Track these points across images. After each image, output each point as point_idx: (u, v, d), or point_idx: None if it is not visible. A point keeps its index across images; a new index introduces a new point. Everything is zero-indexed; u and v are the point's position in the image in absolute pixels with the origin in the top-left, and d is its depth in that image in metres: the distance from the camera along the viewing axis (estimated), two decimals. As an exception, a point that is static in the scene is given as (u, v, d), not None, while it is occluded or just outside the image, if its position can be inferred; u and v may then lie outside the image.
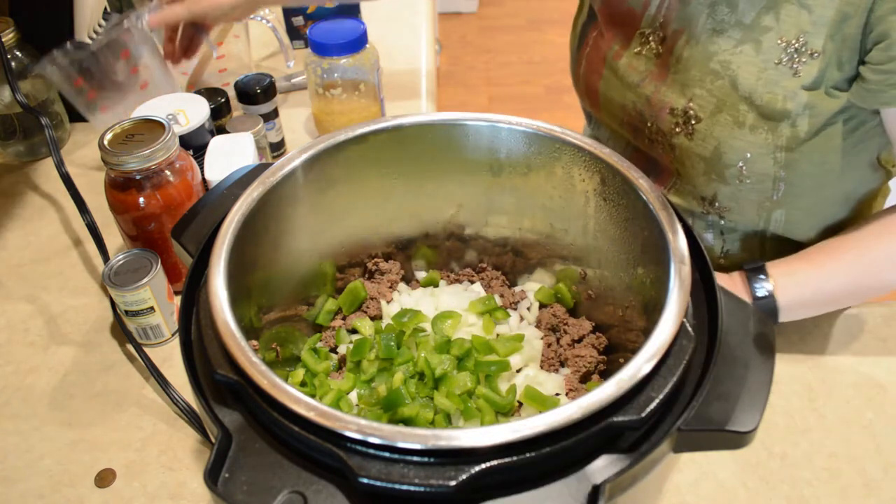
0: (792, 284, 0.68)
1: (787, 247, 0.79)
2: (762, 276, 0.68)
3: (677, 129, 0.74)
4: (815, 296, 0.69)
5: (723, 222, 0.79)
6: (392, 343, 0.57)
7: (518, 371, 0.59)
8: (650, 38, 0.76)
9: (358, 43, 0.93)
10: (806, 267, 0.69)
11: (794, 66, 0.66)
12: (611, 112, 0.84)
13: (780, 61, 0.66)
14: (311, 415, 0.37)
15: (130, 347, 0.75)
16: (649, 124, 0.78)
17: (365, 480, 0.35)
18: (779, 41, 0.66)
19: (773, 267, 0.70)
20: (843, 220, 0.80)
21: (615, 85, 0.81)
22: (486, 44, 3.23)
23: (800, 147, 0.69)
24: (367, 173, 0.59)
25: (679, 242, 0.46)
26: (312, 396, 0.39)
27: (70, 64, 0.89)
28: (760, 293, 0.68)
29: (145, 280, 0.71)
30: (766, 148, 0.69)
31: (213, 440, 0.40)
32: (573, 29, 0.90)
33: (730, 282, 0.70)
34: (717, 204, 0.77)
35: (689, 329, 0.42)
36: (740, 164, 0.71)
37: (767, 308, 0.68)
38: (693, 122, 0.72)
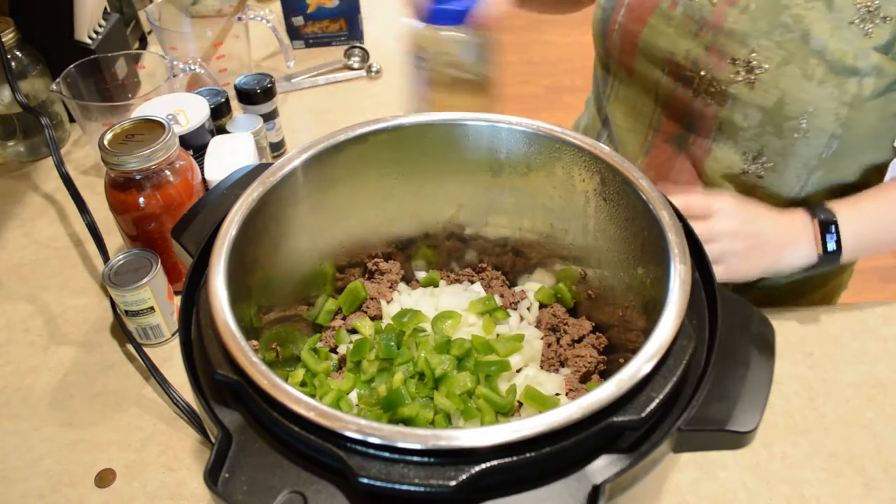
0: (852, 234, 0.72)
1: None
2: (832, 230, 0.72)
3: (738, 79, 0.74)
4: (870, 245, 0.74)
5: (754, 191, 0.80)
6: (392, 343, 0.57)
7: (518, 371, 0.59)
8: None
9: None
10: (862, 218, 0.73)
11: (866, 27, 0.67)
12: (652, 60, 0.83)
13: (854, 21, 0.67)
14: (311, 415, 0.37)
15: (130, 347, 0.75)
16: (703, 73, 0.77)
17: (365, 480, 0.35)
18: (854, 2, 0.67)
19: (837, 207, 0.73)
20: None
21: (666, 33, 0.80)
22: (486, 44, 3.22)
23: (861, 105, 0.70)
24: (367, 173, 0.59)
25: (679, 242, 0.46)
26: (312, 396, 0.39)
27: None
28: (831, 247, 0.72)
29: (145, 280, 0.71)
30: (831, 103, 0.70)
31: (213, 440, 0.40)
32: None
33: (791, 225, 0.73)
34: (763, 158, 0.77)
35: (690, 329, 0.42)
36: (802, 117, 0.72)
37: (834, 259, 0.72)
38: (757, 71, 0.72)
